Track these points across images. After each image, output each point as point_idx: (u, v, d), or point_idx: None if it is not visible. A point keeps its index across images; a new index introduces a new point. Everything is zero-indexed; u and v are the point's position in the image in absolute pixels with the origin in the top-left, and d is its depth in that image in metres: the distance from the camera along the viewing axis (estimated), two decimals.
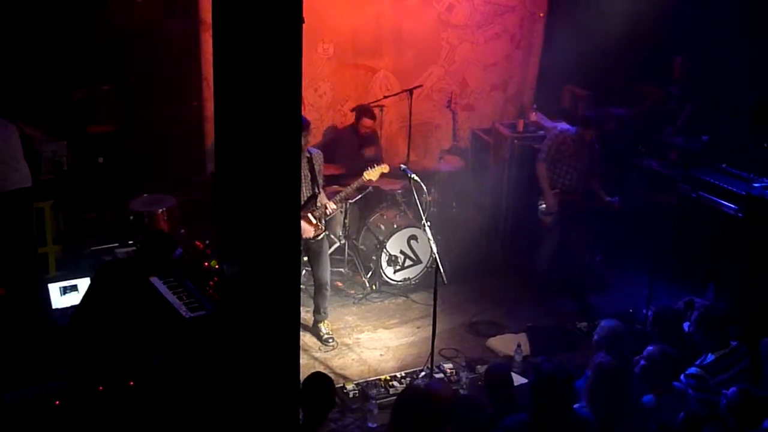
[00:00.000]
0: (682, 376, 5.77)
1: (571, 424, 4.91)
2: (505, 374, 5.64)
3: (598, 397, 5.20)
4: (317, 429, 5.16)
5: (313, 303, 7.83)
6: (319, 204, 7.59)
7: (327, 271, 7.76)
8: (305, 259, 7.81)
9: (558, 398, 4.81)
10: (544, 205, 8.44)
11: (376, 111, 9.34)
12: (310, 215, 7.49)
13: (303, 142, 7.36)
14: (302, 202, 7.44)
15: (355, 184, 7.87)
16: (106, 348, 5.73)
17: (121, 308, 5.85)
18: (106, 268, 6.28)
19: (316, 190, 7.55)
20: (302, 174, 7.39)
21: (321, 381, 5.32)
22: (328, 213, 7.68)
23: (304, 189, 7.45)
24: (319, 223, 7.56)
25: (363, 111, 9.21)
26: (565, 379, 4.85)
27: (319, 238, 7.61)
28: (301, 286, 7.49)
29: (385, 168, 7.84)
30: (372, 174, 7.78)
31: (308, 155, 7.43)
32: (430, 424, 5.05)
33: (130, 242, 8.18)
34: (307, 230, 7.45)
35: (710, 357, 5.85)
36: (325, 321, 7.82)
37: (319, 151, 7.64)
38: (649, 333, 6.50)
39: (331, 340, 7.72)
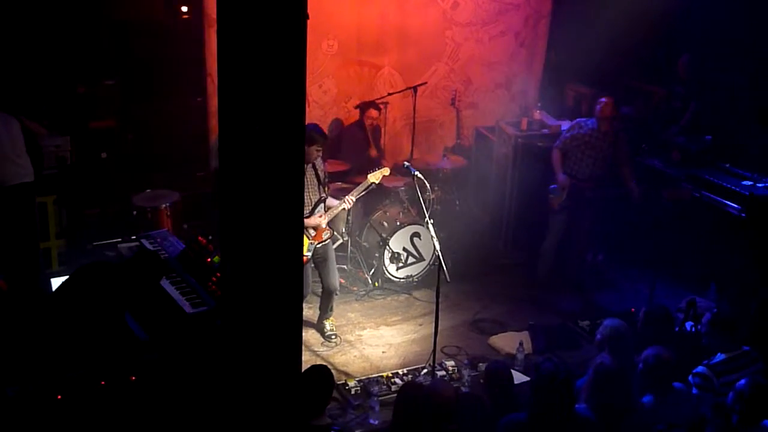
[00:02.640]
0: (690, 376, 5.75)
1: (571, 424, 4.91)
2: (504, 372, 5.64)
3: (598, 397, 5.19)
4: (315, 420, 5.15)
5: (320, 303, 7.85)
6: (329, 205, 7.68)
7: (336, 277, 7.85)
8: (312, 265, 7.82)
9: (557, 397, 4.81)
10: (554, 187, 8.53)
11: (381, 108, 9.35)
12: (319, 219, 7.54)
13: (317, 153, 7.43)
14: (311, 207, 7.49)
15: (361, 187, 7.93)
16: (87, 339, 5.70)
17: (102, 303, 5.80)
18: (87, 270, 6.19)
19: (323, 194, 7.60)
20: (309, 180, 7.45)
21: (320, 373, 5.31)
22: (346, 208, 7.84)
23: (311, 194, 7.49)
24: (328, 227, 7.62)
25: (368, 104, 9.29)
26: (565, 378, 4.85)
27: (326, 240, 7.65)
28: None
29: (386, 171, 7.97)
30: (375, 176, 7.87)
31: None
32: (433, 424, 5.05)
33: (133, 237, 8.19)
34: (318, 234, 7.49)
35: (720, 356, 5.82)
36: (330, 318, 7.84)
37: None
38: (639, 330, 6.48)
39: (333, 337, 7.73)
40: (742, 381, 5.09)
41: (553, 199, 8.58)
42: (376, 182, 7.94)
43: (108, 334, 5.76)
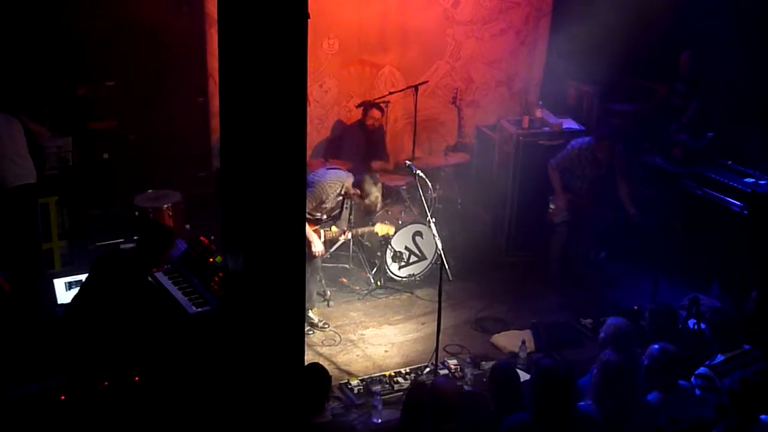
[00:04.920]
0: (692, 378, 5.75)
1: (574, 421, 4.90)
2: (510, 373, 5.61)
3: (604, 394, 5.18)
4: (315, 418, 5.14)
5: None
6: (335, 229, 7.87)
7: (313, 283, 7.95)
8: None
9: (558, 394, 4.78)
10: (552, 206, 8.64)
11: (385, 110, 9.35)
12: (323, 232, 7.62)
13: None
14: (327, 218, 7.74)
15: (366, 230, 8.33)
16: (103, 340, 5.74)
17: (119, 300, 5.85)
18: (104, 259, 6.29)
19: (339, 210, 7.71)
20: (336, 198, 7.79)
21: (314, 370, 5.30)
22: (340, 240, 8.13)
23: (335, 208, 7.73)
24: (325, 245, 7.82)
25: (371, 104, 9.28)
26: (564, 374, 4.82)
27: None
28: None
29: (391, 229, 8.26)
30: (382, 229, 8.21)
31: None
32: (435, 421, 5.04)
33: (135, 237, 8.20)
34: (317, 249, 7.59)
35: (720, 357, 5.81)
36: (313, 308, 7.96)
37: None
38: (645, 328, 6.48)
39: (326, 326, 7.81)
40: (728, 379, 5.09)
41: (552, 214, 8.68)
42: (380, 234, 8.26)
43: (117, 329, 5.78)
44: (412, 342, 7.75)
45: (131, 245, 7.93)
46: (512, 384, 5.47)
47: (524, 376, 6.48)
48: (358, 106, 9.40)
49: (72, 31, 8.35)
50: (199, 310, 6.11)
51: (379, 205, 8.52)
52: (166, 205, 8.23)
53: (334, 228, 7.91)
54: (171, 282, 6.50)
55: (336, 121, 9.60)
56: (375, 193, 8.09)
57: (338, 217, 7.82)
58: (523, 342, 7.29)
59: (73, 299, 6.25)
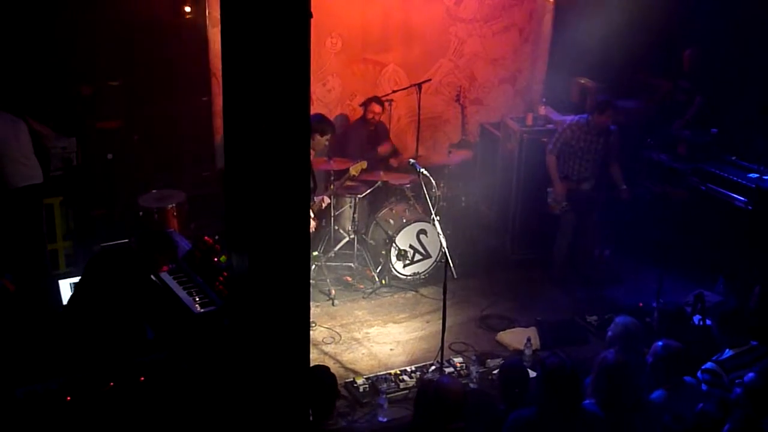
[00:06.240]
0: (698, 372, 5.74)
1: (579, 419, 4.89)
2: (520, 371, 5.61)
3: (601, 393, 5.17)
4: (326, 422, 5.15)
5: None
6: (315, 199, 7.85)
7: None
8: None
9: (564, 392, 4.79)
10: (551, 193, 8.66)
11: (385, 105, 9.35)
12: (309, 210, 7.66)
13: (326, 145, 7.59)
14: None
15: (344, 179, 8.35)
16: (106, 340, 5.74)
17: (122, 300, 5.85)
18: (100, 258, 6.29)
19: (313, 185, 7.68)
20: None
21: (321, 373, 5.30)
22: (323, 208, 8.10)
23: None
24: (315, 218, 7.81)
25: (371, 99, 9.29)
26: (570, 373, 4.82)
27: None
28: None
29: (363, 164, 8.38)
30: (355, 169, 8.33)
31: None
32: (441, 420, 5.04)
33: (134, 238, 8.21)
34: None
35: (728, 352, 5.81)
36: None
37: None
38: (654, 328, 6.48)
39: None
40: (751, 374, 5.07)
41: (552, 206, 8.72)
42: (356, 174, 8.35)
43: (121, 329, 5.79)
44: (417, 340, 7.75)
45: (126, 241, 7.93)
46: (522, 382, 5.48)
47: (531, 373, 6.50)
48: (361, 105, 9.40)
49: (76, 32, 8.36)
50: (204, 309, 6.12)
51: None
52: (170, 205, 8.24)
53: (315, 199, 7.93)
54: (175, 281, 6.51)
55: (340, 120, 9.59)
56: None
57: (312, 191, 7.85)
58: (529, 339, 7.29)
59: (70, 300, 6.27)
